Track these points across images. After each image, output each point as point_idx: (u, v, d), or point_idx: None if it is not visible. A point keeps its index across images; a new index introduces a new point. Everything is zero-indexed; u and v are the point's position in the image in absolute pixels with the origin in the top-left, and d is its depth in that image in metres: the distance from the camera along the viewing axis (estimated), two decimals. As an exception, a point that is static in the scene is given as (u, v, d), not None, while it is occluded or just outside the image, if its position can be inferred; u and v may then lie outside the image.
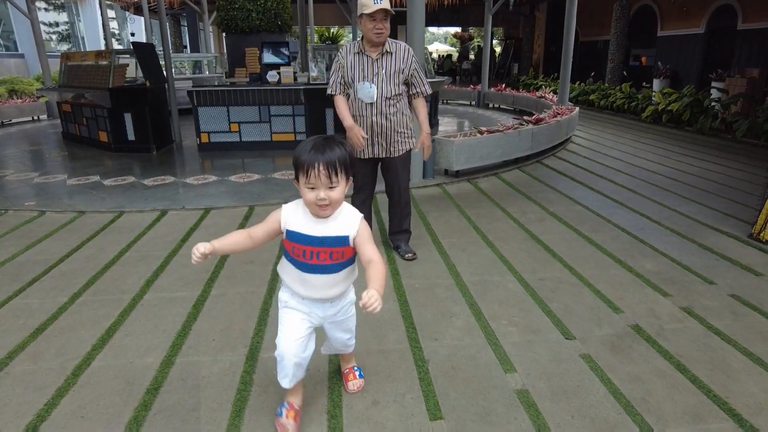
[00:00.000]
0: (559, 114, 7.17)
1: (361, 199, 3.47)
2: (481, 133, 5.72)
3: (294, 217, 1.68)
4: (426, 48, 12.89)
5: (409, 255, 3.45)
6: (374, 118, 3.18)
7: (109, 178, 5.71)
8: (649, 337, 2.52)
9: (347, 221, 1.70)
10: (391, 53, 3.15)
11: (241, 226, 4.14)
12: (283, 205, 1.72)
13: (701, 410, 2.02)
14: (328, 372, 2.24)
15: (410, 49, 3.24)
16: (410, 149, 3.37)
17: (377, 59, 3.13)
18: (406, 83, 3.25)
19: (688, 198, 4.97)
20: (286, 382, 1.81)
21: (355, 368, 2.17)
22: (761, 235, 3.76)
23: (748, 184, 5.46)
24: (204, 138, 7.18)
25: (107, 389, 2.14)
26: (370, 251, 1.68)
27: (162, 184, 5.44)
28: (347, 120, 3.22)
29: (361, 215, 1.74)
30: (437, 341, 2.47)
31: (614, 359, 2.34)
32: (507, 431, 1.89)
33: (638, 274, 3.23)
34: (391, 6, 3.08)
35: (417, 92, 3.29)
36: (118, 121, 7.12)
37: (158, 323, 2.66)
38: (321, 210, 1.60)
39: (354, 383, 2.11)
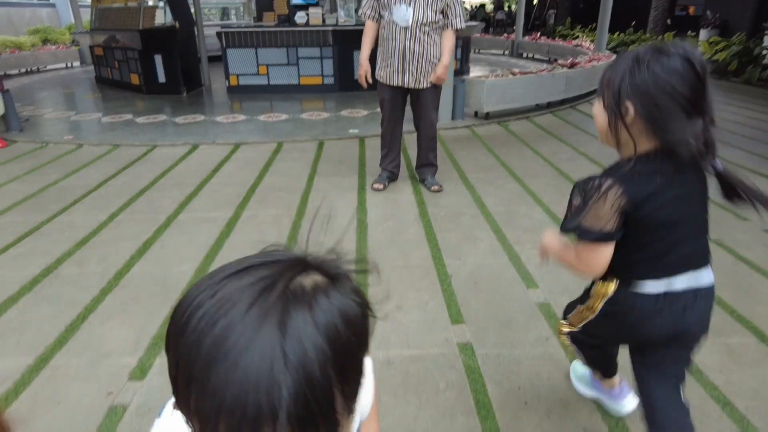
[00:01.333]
0: (595, 60, 6.91)
1: (390, 133, 3.45)
2: (513, 74, 5.58)
3: None
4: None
5: (435, 187, 3.47)
6: (407, 43, 3.12)
7: (141, 117, 5.83)
8: (676, 264, 2.51)
9: None
10: None
11: (271, 160, 4.21)
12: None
13: (724, 327, 2.02)
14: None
15: None
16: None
17: None
18: (443, 12, 3.16)
19: (729, 144, 4.78)
20: None
21: None
22: (802, 176, 3.63)
23: (792, 132, 5.22)
24: (233, 80, 7.20)
25: (146, 291, 2.28)
26: None
27: (193, 122, 5.53)
28: (363, 53, 3.27)
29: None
30: (460, 260, 2.52)
31: (638, 281, 2.35)
32: (526, 337, 1.95)
33: (668, 209, 3.19)
34: None
35: (448, 23, 3.18)
36: (149, 63, 7.18)
37: (192, 238, 2.78)
38: None
39: None
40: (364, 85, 3.32)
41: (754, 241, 2.78)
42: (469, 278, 2.36)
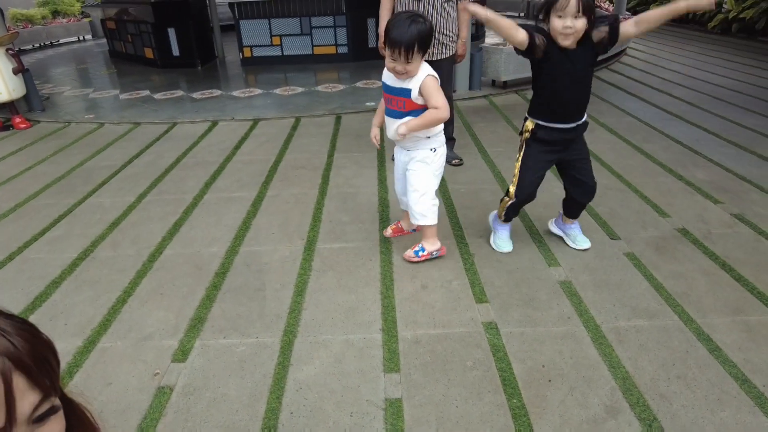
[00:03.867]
0: (615, 22, 6.69)
1: None
2: (530, 42, 5.45)
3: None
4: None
5: (456, 161, 3.49)
6: None
7: (158, 93, 5.86)
8: (696, 240, 2.53)
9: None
10: None
11: (290, 136, 4.24)
12: None
13: (743, 304, 2.06)
14: (380, 261, 2.39)
15: None
16: (454, 54, 3.32)
17: None
18: None
19: (752, 111, 4.68)
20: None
21: (420, 246, 2.35)
22: (829, 145, 3.56)
23: (821, 96, 5.07)
24: (247, 52, 7.16)
25: (180, 272, 2.37)
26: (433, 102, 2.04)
27: (210, 97, 5.55)
28: (382, 26, 3.26)
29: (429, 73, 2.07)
30: (482, 238, 2.56)
31: (658, 258, 2.39)
32: (549, 315, 2.01)
33: (689, 183, 3.17)
34: None
35: None
36: (163, 36, 7.15)
37: (220, 219, 2.86)
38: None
39: (407, 252, 2.37)
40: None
41: (776, 214, 2.78)
42: (491, 256, 2.41)
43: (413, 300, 2.10)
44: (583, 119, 2.12)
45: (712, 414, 1.56)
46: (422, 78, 2.04)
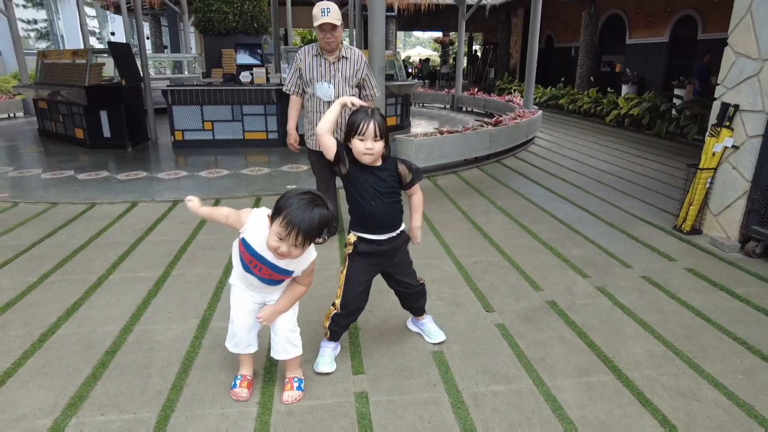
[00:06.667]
0: (519, 117, 7.54)
1: (324, 191, 3.78)
2: (441, 133, 6.05)
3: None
4: (398, 51, 13.21)
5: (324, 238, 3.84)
6: None
7: (83, 173, 5.91)
8: (561, 311, 2.85)
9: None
10: (347, 58, 3.51)
11: (207, 216, 4.40)
12: (254, 211, 1.86)
13: (589, 367, 2.34)
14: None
15: (363, 55, 3.62)
16: None
17: (334, 62, 3.48)
18: (359, 86, 3.60)
19: (629, 194, 5.35)
20: (233, 348, 2.07)
21: (296, 379, 2.12)
22: (682, 226, 4.14)
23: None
24: (178, 136, 7.40)
25: (70, 352, 2.40)
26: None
27: (135, 179, 5.66)
28: (290, 124, 3.73)
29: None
30: (371, 312, 2.77)
31: (525, 328, 2.67)
32: (417, 383, 2.19)
33: (565, 259, 3.57)
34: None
35: (367, 95, 3.68)
36: (94, 118, 7.30)
37: (121, 299, 2.92)
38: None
39: (290, 394, 2.07)
40: (295, 151, 3.74)
41: (632, 286, 3.18)
42: (376, 330, 2.61)
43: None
44: (398, 232, 2.23)
45: (543, 467, 1.76)
46: (310, 261, 1.91)
